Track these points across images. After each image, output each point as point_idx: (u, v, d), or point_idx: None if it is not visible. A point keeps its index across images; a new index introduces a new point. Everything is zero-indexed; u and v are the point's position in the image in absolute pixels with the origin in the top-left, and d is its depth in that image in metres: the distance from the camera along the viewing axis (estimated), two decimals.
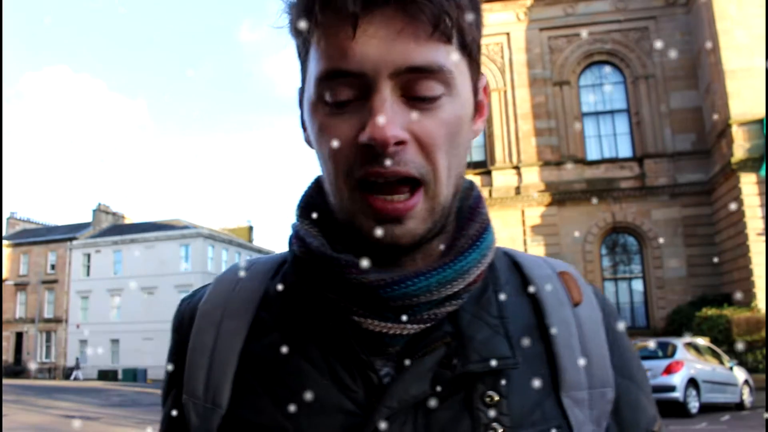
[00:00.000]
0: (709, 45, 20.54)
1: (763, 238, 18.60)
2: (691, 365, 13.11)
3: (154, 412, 14.48)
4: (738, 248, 20.01)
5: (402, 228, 0.59)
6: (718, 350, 15.10)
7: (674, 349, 13.31)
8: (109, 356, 44.72)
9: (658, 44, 22.91)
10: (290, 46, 0.67)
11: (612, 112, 24.23)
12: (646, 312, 22.57)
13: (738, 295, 18.50)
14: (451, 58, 0.59)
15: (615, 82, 24.24)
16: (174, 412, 0.69)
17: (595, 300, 0.71)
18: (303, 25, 0.61)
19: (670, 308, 21.79)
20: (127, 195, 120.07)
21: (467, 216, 0.68)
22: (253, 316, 0.67)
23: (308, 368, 0.62)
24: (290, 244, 0.68)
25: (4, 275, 47.47)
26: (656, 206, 22.72)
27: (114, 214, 52.48)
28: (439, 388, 0.60)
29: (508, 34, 24.49)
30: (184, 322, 0.71)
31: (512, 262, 0.73)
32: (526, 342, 0.64)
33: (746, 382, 14.75)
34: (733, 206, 19.12)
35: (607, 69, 24.19)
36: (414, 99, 0.58)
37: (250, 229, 54.96)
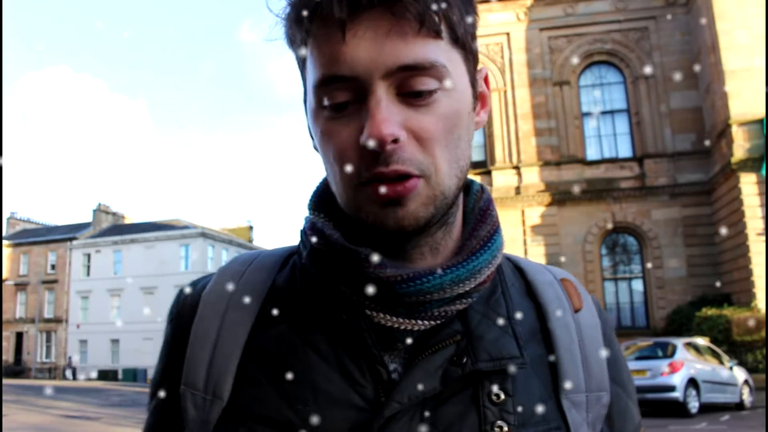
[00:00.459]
0: (708, 45, 20.52)
1: (763, 238, 18.60)
2: (691, 365, 13.09)
3: None
4: (738, 248, 20.02)
5: (404, 210, 0.59)
6: (718, 350, 15.10)
7: (674, 349, 13.31)
8: (109, 356, 44.71)
9: (657, 44, 22.89)
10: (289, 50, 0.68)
11: (612, 112, 24.23)
12: (646, 312, 22.56)
13: (738, 295, 18.48)
14: (442, 52, 0.59)
15: (615, 82, 24.27)
16: (162, 394, 0.68)
17: (594, 308, 0.74)
18: (297, 36, 0.62)
19: (670, 308, 21.79)
20: (127, 195, 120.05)
21: (478, 217, 0.69)
22: (260, 308, 0.67)
23: (316, 360, 0.62)
24: (304, 236, 0.68)
25: (4, 275, 47.47)
26: (656, 206, 22.72)
27: (114, 214, 52.47)
28: (448, 385, 0.61)
29: (508, 34, 24.49)
30: (185, 312, 0.70)
31: (515, 267, 0.75)
32: (531, 344, 0.66)
33: (746, 382, 14.73)
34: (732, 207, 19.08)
35: (607, 69, 24.22)
36: (409, 96, 0.59)
37: (250, 229, 55.01)
